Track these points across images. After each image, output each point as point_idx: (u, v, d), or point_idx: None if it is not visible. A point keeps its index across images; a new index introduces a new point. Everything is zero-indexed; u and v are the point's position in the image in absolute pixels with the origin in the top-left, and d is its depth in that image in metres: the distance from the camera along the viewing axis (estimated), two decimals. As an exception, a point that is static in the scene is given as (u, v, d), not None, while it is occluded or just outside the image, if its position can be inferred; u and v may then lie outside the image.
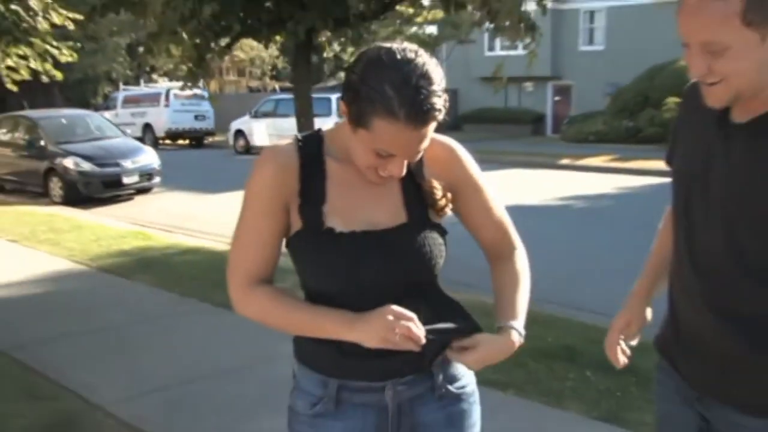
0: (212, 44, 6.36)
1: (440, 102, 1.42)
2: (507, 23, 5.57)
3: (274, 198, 1.55)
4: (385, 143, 1.44)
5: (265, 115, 23.47)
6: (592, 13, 29.21)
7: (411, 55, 1.42)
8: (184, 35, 6.39)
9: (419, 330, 1.46)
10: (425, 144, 1.48)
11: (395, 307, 1.47)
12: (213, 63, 6.63)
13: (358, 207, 1.57)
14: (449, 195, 1.61)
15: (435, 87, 1.41)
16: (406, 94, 1.38)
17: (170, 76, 35.79)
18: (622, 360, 1.88)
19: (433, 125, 1.45)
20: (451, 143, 1.66)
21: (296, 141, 1.61)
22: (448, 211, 1.62)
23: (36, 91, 30.71)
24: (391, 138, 1.43)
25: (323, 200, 1.55)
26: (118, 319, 5.74)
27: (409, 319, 1.46)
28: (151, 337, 5.32)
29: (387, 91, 1.39)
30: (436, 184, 1.60)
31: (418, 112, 1.39)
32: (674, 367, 1.74)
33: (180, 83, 8.34)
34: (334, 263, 1.53)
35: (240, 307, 1.62)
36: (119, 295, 6.57)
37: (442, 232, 1.63)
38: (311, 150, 1.59)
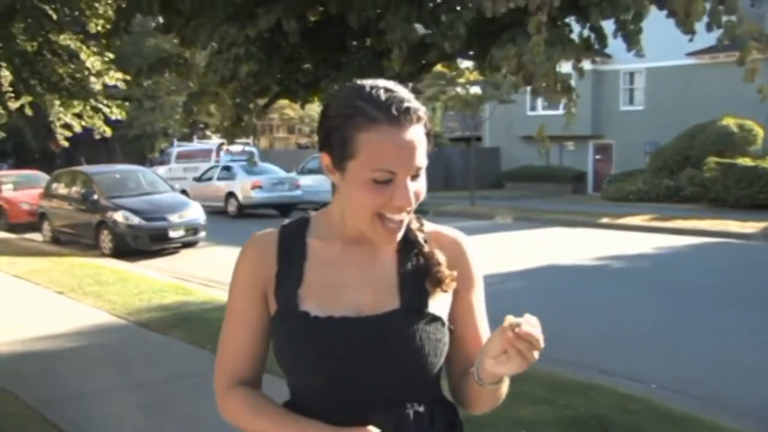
0: (250, 105, 6.50)
1: (417, 103, 1.33)
2: (543, 85, 5.55)
3: (254, 285, 1.46)
4: (377, 157, 1.30)
5: (311, 171, 23.73)
6: (632, 74, 29.21)
7: (368, 80, 1.37)
8: (225, 95, 6.54)
9: None
10: (421, 158, 1.33)
11: (373, 429, 1.32)
12: (251, 122, 6.74)
13: (341, 288, 1.41)
14: (454, 272, 1.42)
15: (404, 93, 1.33)
16: (377, 98, 1.31)
17: (221, 132, 36.83)
18: None
19: (420, 131, 1.33)
20: (458, 236, 1.50)
21: (280, 227, 1.53)
22: (452, 286, 1.42)
23: (98, 147, 31.91)
24: (380, 147, 1.30)
25: (299, 282, 1.42)
26: (150, 377, 5.75)
27: None
28: (180, 397, 5.30)
29: (359, 104, 1.31)
30: (438, 253, 1.43)
31: (397, 109, 1.30)
32: None
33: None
34: (302, 352, 1.38)
35: (219, 408, 1.51)
36: (153, 351, 6.61)
37: (444, 326, 1.41)
38: (293, 232, 1.50)
